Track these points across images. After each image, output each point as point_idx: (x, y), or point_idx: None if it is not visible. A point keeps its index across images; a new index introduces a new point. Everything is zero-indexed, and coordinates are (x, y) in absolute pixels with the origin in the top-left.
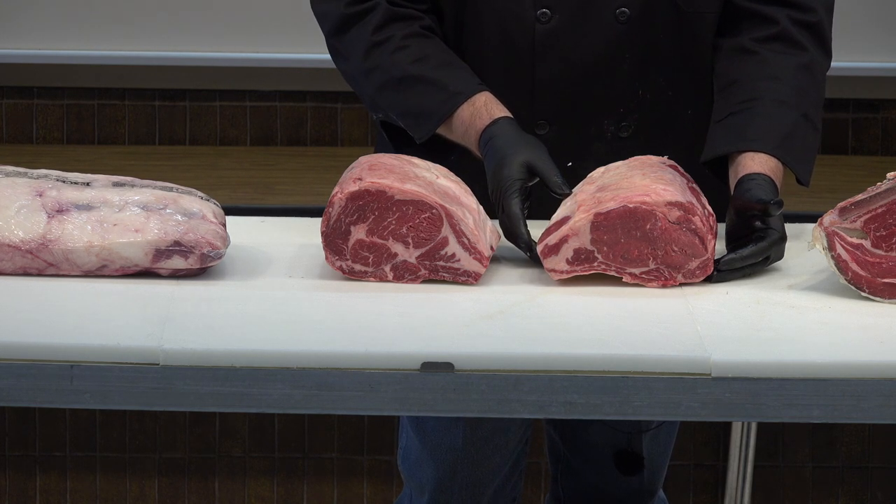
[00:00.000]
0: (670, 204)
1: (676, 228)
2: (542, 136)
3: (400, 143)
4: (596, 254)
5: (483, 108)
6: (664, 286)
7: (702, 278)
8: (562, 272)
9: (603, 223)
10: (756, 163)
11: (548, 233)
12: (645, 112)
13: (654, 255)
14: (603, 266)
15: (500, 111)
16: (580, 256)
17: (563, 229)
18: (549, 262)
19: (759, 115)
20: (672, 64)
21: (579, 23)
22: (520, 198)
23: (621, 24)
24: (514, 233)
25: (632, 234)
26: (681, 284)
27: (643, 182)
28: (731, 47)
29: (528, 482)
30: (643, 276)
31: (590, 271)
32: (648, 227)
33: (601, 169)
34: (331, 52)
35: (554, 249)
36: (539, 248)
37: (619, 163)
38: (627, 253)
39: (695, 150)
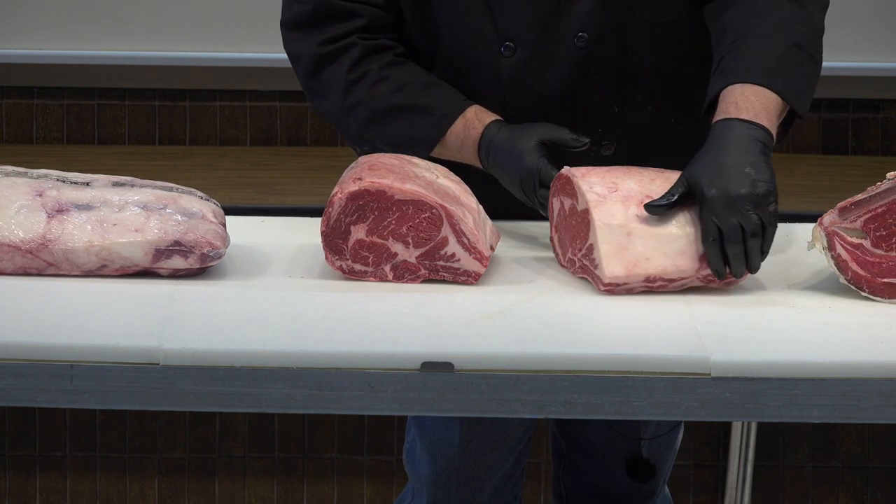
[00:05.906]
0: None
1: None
2: None
3: None
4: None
5: (474, 118)
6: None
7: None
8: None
9: None
10: (732, 105)
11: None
12: (625, 129)
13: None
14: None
15: (490, 117)
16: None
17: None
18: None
19: (745, 49)
20: (646, 77)
21: (541, 53)
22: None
23: (580, 49)
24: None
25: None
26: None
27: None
28: (719, 3)
29: (527, 482)
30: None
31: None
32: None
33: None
34: (307, 92)
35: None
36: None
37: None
38: None
39: (684, 158)
